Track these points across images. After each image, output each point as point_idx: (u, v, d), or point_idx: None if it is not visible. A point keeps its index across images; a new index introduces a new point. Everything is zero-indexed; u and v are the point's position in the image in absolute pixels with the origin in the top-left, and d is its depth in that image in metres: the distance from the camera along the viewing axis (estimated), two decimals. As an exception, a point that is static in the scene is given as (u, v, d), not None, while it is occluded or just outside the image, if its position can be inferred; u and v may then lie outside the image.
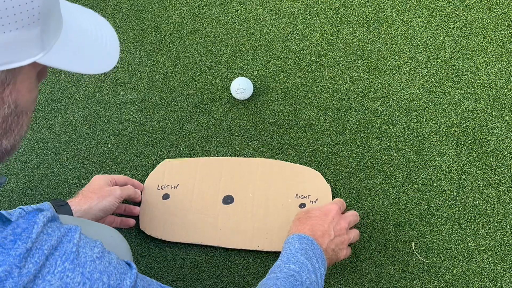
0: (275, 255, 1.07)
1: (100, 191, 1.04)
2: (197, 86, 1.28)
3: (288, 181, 1.13)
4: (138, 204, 1.16)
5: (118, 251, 0.70)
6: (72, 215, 0.98)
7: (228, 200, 1.13)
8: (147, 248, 1.16)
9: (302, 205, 1.10)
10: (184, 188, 1.16)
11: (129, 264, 0.65)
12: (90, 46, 0.66)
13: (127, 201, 1.14)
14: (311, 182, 1.12)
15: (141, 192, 1.17)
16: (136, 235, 1.17)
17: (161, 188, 1.16)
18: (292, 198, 1.11)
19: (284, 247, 0.92)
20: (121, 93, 1.30)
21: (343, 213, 1.02)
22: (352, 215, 1.01)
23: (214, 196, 1.14)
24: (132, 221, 1.14)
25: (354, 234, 1.00)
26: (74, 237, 0.60)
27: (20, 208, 0.97)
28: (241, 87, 1.20)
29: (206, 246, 1.13)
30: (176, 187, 1.16)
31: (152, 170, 1.21)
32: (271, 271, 0.87)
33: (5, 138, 0.61)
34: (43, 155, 1.27)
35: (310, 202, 1.10)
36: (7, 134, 0.61)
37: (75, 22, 0.65)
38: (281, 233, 1.07)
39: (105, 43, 0.68)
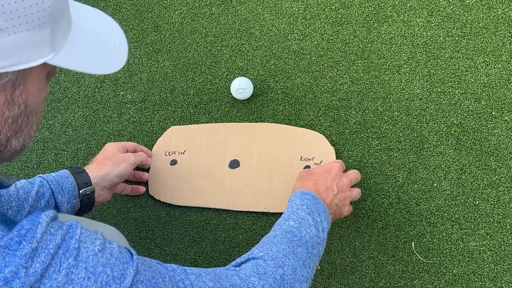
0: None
1: (115, 157, 1.08)
2: (197, 86, 1.28)
3: (293, 144, 1.15)
4: (147, 170, 1.19)
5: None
6: (90, 181, 1.02)
7: (234, 164, 1.15)
8: (147, 248, 1.16)
9: (306, 167, 1.12)
10: (191, 154, 1.18)
11: (129, 251, 0.66)
12: (99, 46, 0.67)
13: (136, 167, 1.16)
14: (315, 145, 1.14)
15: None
16: (136, 235, 1.17)
17: (169, 154, 1.19)
18: (297, 160, 1.13)
19: (288, 204, 0.94)
20: (121, 93, 1.30)
21: (344, 172, 1.04)
22: (354, 173, 1.04)
23: (220, 161, 1.16)
24: (142, 188, 1.18)
25: (356, 192, 1.03)
26: (76, 232, 0.60)
27: (40, 176, 0.99)
28: (241, 87, 1.20)
29: (208, 243, 1.13)
30: (183, 153, 1.19)
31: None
32: (272, 229, 0.88)
33: (14, 138, 0.61)
34: (43, 155, 1.27)
35: (315, 164, 1.12)
36: (17, 134, 0.61)
37: (84, 22, 0.66)
38: (287, 194, 1.08)
39: (114, 42, 0.69)
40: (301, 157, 1.13)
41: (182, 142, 1.20)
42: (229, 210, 1.15)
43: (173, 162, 1.19)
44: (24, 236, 0.56)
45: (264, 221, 1.14)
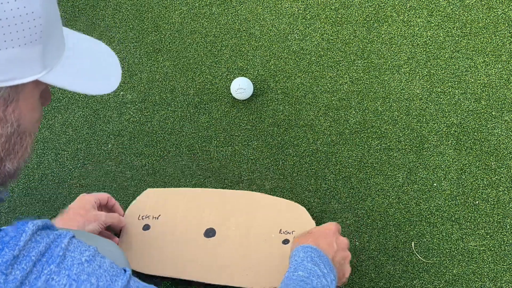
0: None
1: (87, 214, 1.02)
2: (197, 86, 1.28)
3: (272, 216, 1.09)
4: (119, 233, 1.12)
5: (116, 262, 0.69)
6: None
7: (210, 233, 1.09)
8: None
9: (285, 241, 1.06)
10: (166, 220, 1.12)
11: (124, 270, 0.65)
12: (92, 67, 0.67)
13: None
14: (296, 218, 1.09)
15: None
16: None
17: (142, 219, 1.12)
18: (275, 233, 1.07)
19: (290, 260, 0.91)
20: (121, 93, 1.30)
21: None
22: (346, 238, 1.00)
23: (196, 228, 1.10)
24: (115, 239, 1.10)
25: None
26: (63, 241, 0.59)
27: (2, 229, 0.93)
28: (241, 87, 1.20)
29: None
30: (158, 218, 1.12)
31: (150, 174, 1.21)
32: (281, 282, 0.86)
33: (8, 160, 0.60)
34: (43, 155, 1.27)
35: (294, 238, 1.07)
36: (11, 155, 0.61)
37: (78, 44, 0.67)
38: (263, 270, 1.04)
39: (107, 65, 0.70)
40: (280, 229, 1.07)
41: (157, 205, 1.13)
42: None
43: (146, 227, 1.11)
44: (7, 243, 0.55)
45: None
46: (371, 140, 1.16)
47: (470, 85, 1.15)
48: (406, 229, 1.09)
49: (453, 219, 1.08)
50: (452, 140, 1.13)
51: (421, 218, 1.09)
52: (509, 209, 1.07)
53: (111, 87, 0.68)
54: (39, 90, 0.62)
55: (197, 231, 1.09)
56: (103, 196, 1.10)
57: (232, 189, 1.17)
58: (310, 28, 1.26)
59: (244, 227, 1.08)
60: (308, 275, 0.84)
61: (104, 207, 1.10)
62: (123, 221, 1.11)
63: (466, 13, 1.20)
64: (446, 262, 1.05)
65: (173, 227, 1.10)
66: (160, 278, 1.08)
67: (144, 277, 1.07)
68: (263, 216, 1.09)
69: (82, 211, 1.02)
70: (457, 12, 1.20)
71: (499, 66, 1.15)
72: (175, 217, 1.11)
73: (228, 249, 1.07)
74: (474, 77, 1.15)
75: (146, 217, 1.12)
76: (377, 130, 1.16)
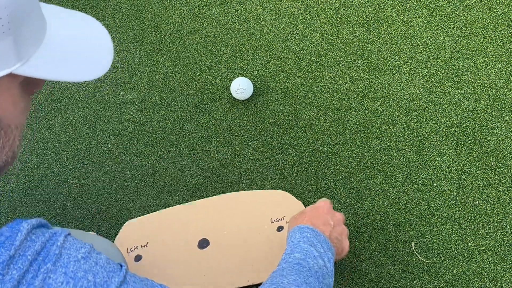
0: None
1: None
2: (197, 86, 1.28)
3: (259, 209, 1.10)
4: None
5: (112, 259, 0.69)
6: None
7: (203, 244, 1.08)
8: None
9: (279, 228, 1.07)
10: (155, 244, 1.10)
11: (121, 265, 0.64)
12: (77, 52, 0.63)
13: None
14: (282, 204, 1.10)
15: None
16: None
17: (131, 251, 1.10)
18: (267, 224, 1.08)
19: (287, 242, 0.91)
20: (121, 93, 1.30)
21: None
22: (341, 214, 1.00)
23: (188, 244, 1.09)
24: None
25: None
26: (58, 239, 0.58)
27: None
28: (241, 87, 1.20)
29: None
30: (146, 245, 1.10)
31: (150, 174, 1.21)
32: (278, 265, 0.87)
33: None
34: (43, 155, 1.27)
35: (286, 223, 1.07)
36: None
37: (63, 29, 0.62)
38: (267, 261, 1.04)
39: (97, 48, 0.65)
40: (271, 219, 1.08)
41: (142, 234, 1.11)
42: None
43: (138, 258, 1.08)
44: (2, 243, 0.55)
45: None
46: (371, 140, 1.16)
47: (470, 85, 1.15)
48: (406, 229, 1.09)
49: (453, 219, 1.08)
50: (452, 140, 1.13)
51: (421, 218, 1.09)
52: (509, 209, 1.07)
53: (99, 72, 0.63)
54: (18, 82, 0.58)
55: (190, 246, 1.08)
56: None
57: (232, 189, 1.17)
58: (310, 28, 1.26)
59: (236, 228, 1.09)
60: (304, 256, 0.84)
61: None
62: None
63: (466, 13, 1.20)
64: (446, 262, 1.05)
65: (164, 250, 1.08)
66: None
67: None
68: (250, 212, 1.10)
69: None
70: (457, 12, 1.20)
71: (499, 66, 1.15)
72: (163, 239, 1.09)
73: (226, 253, 1.06)
74: (474, 77, 1.15)
75: (134, 248, 1.09)
76: (377, 130, 1.16)
